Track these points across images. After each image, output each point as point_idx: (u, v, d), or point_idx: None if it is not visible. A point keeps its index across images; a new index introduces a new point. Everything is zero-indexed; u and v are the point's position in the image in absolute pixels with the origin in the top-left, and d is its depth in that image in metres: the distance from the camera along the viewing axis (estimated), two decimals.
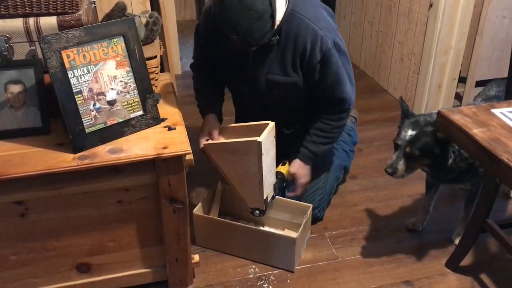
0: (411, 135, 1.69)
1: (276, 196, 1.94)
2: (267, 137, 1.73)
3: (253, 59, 1.82)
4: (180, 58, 3.55)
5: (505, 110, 1.27)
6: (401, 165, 1.71)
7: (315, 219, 2.07)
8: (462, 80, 2.90)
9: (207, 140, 1.81)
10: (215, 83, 2.01)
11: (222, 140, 1.83)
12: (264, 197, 1.80)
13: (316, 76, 1.81)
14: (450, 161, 1.68)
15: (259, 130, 1.76)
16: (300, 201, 1.98)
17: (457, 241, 1.91)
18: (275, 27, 1.67)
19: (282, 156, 1.98)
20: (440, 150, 1.66)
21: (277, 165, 1.94)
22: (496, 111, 1.26)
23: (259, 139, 1.66)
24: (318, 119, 1.93)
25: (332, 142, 1.98)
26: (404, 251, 1.95)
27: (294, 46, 1.76)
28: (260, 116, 1.96)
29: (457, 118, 1.22)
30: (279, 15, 1.68)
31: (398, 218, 2.13)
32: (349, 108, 1.91)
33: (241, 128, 1.86)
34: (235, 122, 2.12)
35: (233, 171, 1.78)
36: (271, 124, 1.78)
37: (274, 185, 1.88)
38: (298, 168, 1.95)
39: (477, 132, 1.16)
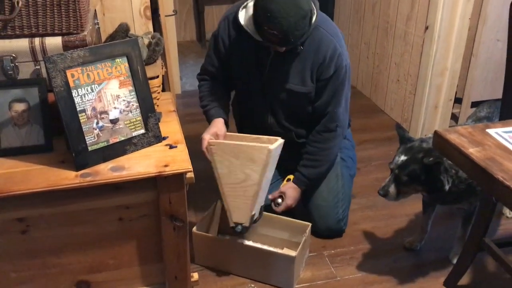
0: (402, 161, 1.74)
1: (275, 215, 1.96)
2: (276, 150, 1.73)
3: (271, 66, 1.89)
4: (180, 78, 3.59)
5: (500, 130, 1.30)
6: (392, 189, 1.77)
7: (340, 232, 2.11)
8: (458, 101, 2.95)
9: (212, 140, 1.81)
10: (223, 92, 2.04)
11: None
12: (252, 213, 1.79)
13: (321, 88, 1.89)
14: (447, 186, 1.70)
15: (269, 142, 1.76)
16: (323, 215, 2.03)
17: (454, 260, 1.92)
18: (309, 33, 1.77)
19: (290, 168, 2.04)
20: (428, 177, 1.71)
21: (281, 182, 1.98)
22: (491, 131, 1.29)
23: (271, 146, 1.67)
24: (307, 143, 1.99)
25: (323, 166, 2.01)
26: (402, 270, 1.96)
27: (314, 56, 1.84)
28: (273, 125, 2.02)
29: (453, 137, 1.25)
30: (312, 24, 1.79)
31: (396, 237, 2.14)
32: (335, 130, 1.96)
33: (250, 138, 1.85)
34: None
35: (230, 176, 1.76)
36: (281, 140, 1.78)
37: (261, 207, 1.88)
38: (288, 188, 1.99)
39: (473, 151, 1.19)
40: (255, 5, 1.72)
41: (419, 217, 2.13)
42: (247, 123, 2.18)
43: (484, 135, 1.27)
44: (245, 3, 1.88)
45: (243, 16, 1.86)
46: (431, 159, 1.67)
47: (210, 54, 2.02)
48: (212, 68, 2.03)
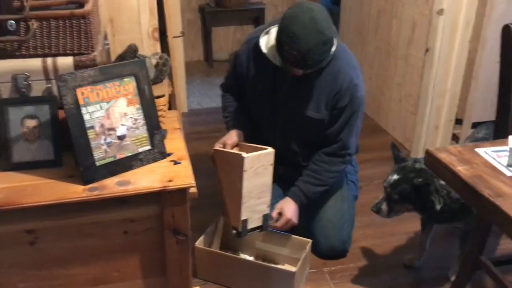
0: (394, 180, 1.80)
1: (276, 231, 2.00)
2: (257, 158, 1.77)
3: (287, 92, 1.95)
4: (186, 97, 3.67)
5: (488, 149, 1.35)
6: (384, 206, 1.85)
7: (343, 253, 2.14)
8: (458, 121, 2.99)
9: (220, 147, 1.90)
10: (242, 104, 2.14)
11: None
12: (242, 218, 1.82)
13: (335, 116, 1.94)
14: (439, 206, 1.76)
15: (256, 151, 1.82)
16: (328, 236, 2.07)
17: (453, 279, 1.95)
18: (327, 60, 1.83)
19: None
20: (418, 196, 1.76)
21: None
22: (480, 150, 1.35)
23: (244, 155, 1.73)
24: (312, 161, 2.04)
25: (321, 185, 2.04)
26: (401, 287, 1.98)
27: (331, 85, 1.90)
28: (280, 148, 2.03)
29: (443, 156, 1.30)
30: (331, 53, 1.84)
31: (395, 255, 2.17)
32: (344, 156, 2.01)
33: (251, 147, 1.90)
34: None
35: (226, 181, 1.87)
36: (270, 150, 1.82)
37: (265, 216, 1.90)
38: (284, 202, 2.02)
39: (461, 169, 1.25)
40: (279, 25, 1.79)
41: (418, 235, 2.17)
42: (255, 138, 2.24)
43: (472, 154, 1.32)
44: (267, 29, 1.96)
45: (265, 42, 1.93)
46: (420, 179, 1.72)
47: (230, 71, 2.15)
48: (230, 84, 2.16)
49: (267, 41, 1.94)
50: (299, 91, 1.94)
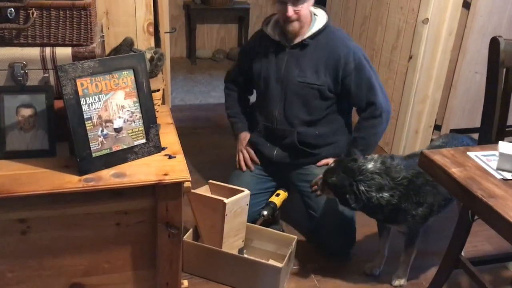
0: (330, 166, 1.98)
1: (263, 228, 2.05)
2: (236, 201, 1.91)
3: (287, 63, 2.18)
4: (170, 93, 3.67)
5: (479, 153, 1.43)
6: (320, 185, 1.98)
7: (351, 246, 2.22)
8: (437, 128, 3.09)
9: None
10: (243, 102, 2.51)
11: (204, 192, 2.03)
12: None
13: (352, 83, 2.12)
14: (355, 205, 1.85)
15: (232, 195, 1.94)
16: (339, 236, 2.16)
17: (396, 284, 2.03)
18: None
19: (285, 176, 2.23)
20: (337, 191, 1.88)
21: (271, 196, 2.07)
22: (471, 154, 1.42)
23: (225, 200, 1.86)
24: (356, 129, 2.21)
25: (370, 150, 2.20)
26: (383, 285, 2.05)
27: (328, 54, 2.12)
28: (278, 119, 2.24)
29: (437, 158, 1.37)
30: (321, 19, 2.18)
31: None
32: (381, 115, 2.14)
33: (225, 188, 2.06)
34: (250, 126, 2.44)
35: (203, 222, 1.96)
36: (246, 192, 1.97)
37: (240, 250, 2.04)
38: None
39: (455, 171, 1.31)
40: None
41: (400, 236, 2.22)
42: (258, 112, 2.38)
43: (464, 157, 1.39)
44: (267, 20, 2.29)
45: (267, 27, 2.26)
46: (333, 179, 1.87)
47: (236, 64, 2.51)
48: (235, 75, 2.48)
49: (268, 26, 2.26)
50: (298, 61, 2.16)
